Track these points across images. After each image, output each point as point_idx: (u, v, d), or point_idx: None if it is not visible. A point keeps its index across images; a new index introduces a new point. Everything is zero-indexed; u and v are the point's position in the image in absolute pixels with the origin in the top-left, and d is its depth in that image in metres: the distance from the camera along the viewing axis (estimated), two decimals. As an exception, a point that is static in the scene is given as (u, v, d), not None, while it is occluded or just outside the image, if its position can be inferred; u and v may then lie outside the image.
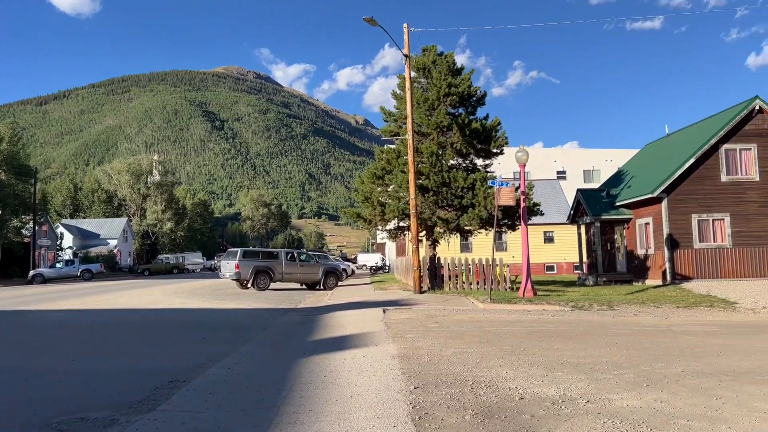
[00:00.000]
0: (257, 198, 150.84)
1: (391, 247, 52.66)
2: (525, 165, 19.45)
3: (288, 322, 13.92)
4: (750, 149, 23.84)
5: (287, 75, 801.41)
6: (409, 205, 21.29)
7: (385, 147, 25.62)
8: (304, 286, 27.94)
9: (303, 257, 27.34)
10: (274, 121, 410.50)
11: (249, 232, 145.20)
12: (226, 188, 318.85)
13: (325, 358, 8.84)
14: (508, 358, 8.55)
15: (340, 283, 28.69)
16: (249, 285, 25.45)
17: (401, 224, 24.97)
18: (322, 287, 26.49)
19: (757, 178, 23.69)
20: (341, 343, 10.17)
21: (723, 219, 23.60)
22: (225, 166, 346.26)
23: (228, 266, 25.89)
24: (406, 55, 21.22)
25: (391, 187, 24.25)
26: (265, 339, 11.41)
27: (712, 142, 23.68)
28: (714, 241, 23.63)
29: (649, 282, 24.73)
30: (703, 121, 27.98)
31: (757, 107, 23.85)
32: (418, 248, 20.57)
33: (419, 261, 20.51)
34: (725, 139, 23.85)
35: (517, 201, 20.33)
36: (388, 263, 56.13)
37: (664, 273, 23.80)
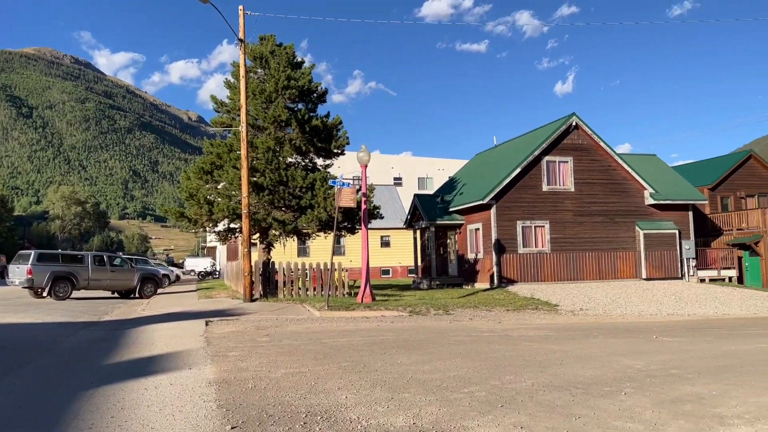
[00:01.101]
0: (69, 195, 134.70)
1: (222, 250, 49.53)
2: (366, 166, 18.70)
3: (83, 340, 11.43)
4: (567, 162, 25.73)
5: (112, 63, 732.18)
6: (241, 204, 19.43)
7: (216, 140, 23.38)
8: (116, 295, 24.50)
9: (116, 261, 23.91)
10: (93, 111, 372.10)
11: (58, 233, 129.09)
12: (33, 183, 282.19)
13: (120, 388, 6.93)
14: (348, 377, 7.39)
15: (160, 291, 25.66)
16: (45, 294, 21.55)
17: (232, 225, 22.91)
18: (137, 295, 23.37)
19: (573, 189, 25.63)
20: (146, 367, 8.25)
21: (544, 226, 25.13)
22: (33, 159, 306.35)
23: (18, 271, 21.69)
24: (240, 40, 19.37)
25: (222, 184, 22.12)
26: (45, 364, 8.99)
27: (536, 153, 25.13)
28: (536, 247, 25.06)
29: (478, 285, 25.52)
30: (527, 134, 29.82)
31: (573, 123, 25.84)
32: (250, 252, 18.79)
33: (251, 266, 18.75)
34: (547, 151, 25.47)
35: (358, 203, 19.53)
36: (218, 268, 52.76)
37: (492, 276, 24.68)
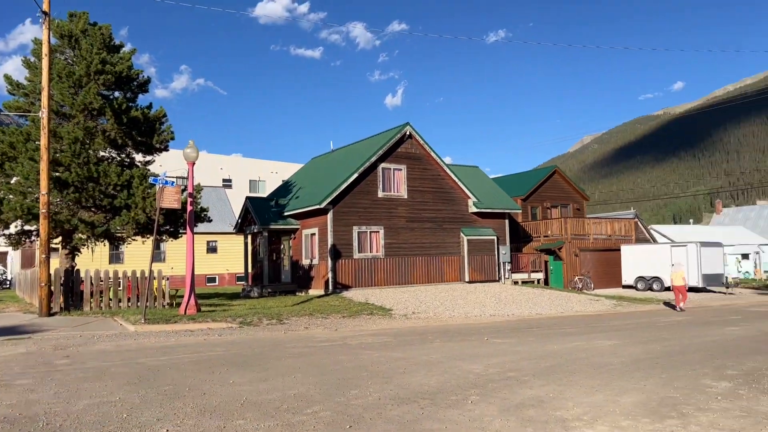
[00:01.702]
0: None
1: (15, 256, 42.97)
2: (194, 164, 17.12)
3: None
4: (401, 169, 26.33)
5: None
6: (39, 202, 16.63)
7: (11, 127, 19.86)
8: None
9: None
10: None
11: None
12: None
13: None
14: (169, 404, 6.29)
15: (-72, 305, 21.13)
16: None
17: (28, 227, 19.61)
18: None
19: (406, 196, 26.28)
20: None
21: (379, 231, 25.38)
22: None
23: None
24: (45, 13, 16.63)
25: (15, 179, 18.81)
26: None
27: (373, 160, 25.33)
28: (371, 252, 25.20)
29: (312, 292, 24.94)
30: (364, 141, 30.04)
31: (408, 133, 26.54)
32: (48, 258, 16.11)
33: (49, 274, 16.09)
34: (383, 158, 25.81)
35: (183, 204, 17.82)
36: (10, 277, 45.70)
37: (327, 282, 24.28)
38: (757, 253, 43.67)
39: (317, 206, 24.06)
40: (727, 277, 30.11)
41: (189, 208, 16.98)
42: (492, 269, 28.12)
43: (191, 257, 16.64)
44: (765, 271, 42.70)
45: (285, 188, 31.19)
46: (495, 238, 28.26)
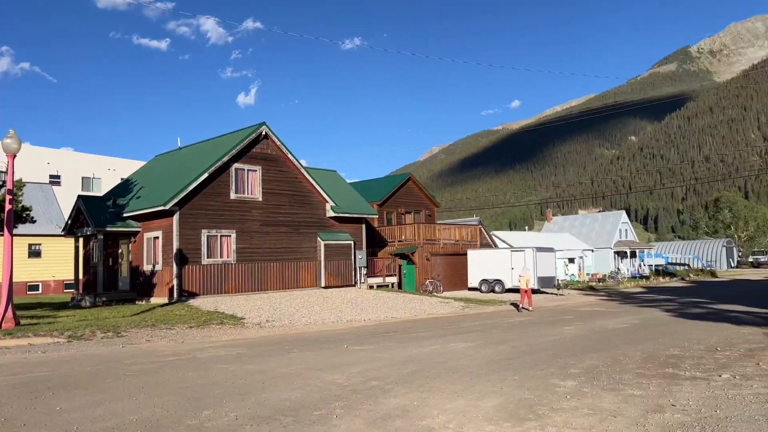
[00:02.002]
0: None
1: None
2: (15, 156, 14.91)
3: None
4: (256, 171, 25.35)
5: None
6: None
7: None
8: None
9: None
10: None
11: None
12: None
13: None
14: (-26, 444, 5.18)
15: None
16: None
17: None
18: None
19: (261, 198, 25.35)
20: None
21: (230, 235, 24.18)
22: None
23: None
24: None
25: None
26: None
27: (225, 159, 24.09)
28: (221, 257, 23.91)
29: (155, 300, 23.04)
30: (215, 139, 28.51)
31: (263, 133, 25.66)
32: None
33: None
34: (236, 158, 24.66)
35: (1, 202, 15.45)
36: None
37: (171, 290, 22.58)
38: (581, 257, 48.80)
39: (162, 207, 22.31)
40: (558, 280, 33.15)
41: (8, 206, 14.74)
42: (349, 274, 28.17)
43: (9, 262, 14.44)
44: (587, 274, 47.83)
45: (125, 187, 28.60)
46: (352, 242, 28.36)
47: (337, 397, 7.05)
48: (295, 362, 9.87)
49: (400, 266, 32.42)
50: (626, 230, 57.81)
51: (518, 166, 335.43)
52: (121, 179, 33.27)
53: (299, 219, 26.65)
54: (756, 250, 74.79)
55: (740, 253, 74.40)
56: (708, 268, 57.08)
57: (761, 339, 12.01)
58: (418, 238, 32.48)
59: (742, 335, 12.63)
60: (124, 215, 24.72)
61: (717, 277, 49.49)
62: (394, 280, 31.58)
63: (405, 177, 37.72)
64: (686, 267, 58.33)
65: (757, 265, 67.56)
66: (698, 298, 25.34)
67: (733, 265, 69.35)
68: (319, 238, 27.12)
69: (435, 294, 29.68)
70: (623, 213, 59.79)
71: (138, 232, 24.60)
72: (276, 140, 26.08)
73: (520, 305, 22.29)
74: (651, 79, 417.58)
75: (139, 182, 27.94)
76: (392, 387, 7.65)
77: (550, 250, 33.28)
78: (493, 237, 44.88)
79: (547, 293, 30.88)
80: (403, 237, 33.43)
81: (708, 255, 68.35)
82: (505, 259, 31.82)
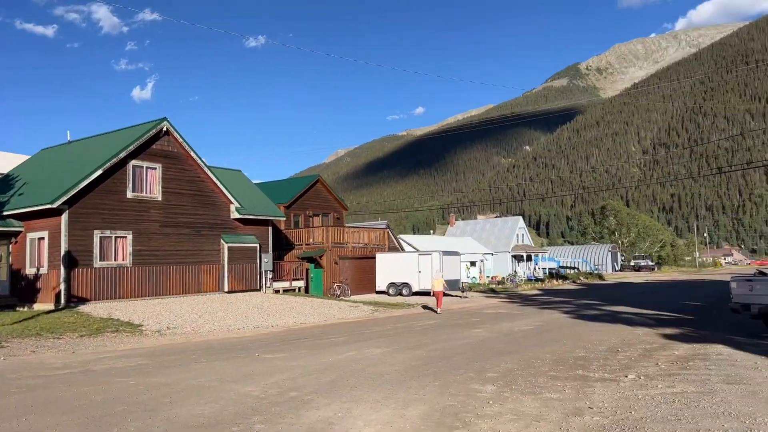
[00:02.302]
0: None
1: None
2: None
3: None
4: (155, 168, 23.88)
5: None
6: None
7: None
8: None
9: None
10: None
11: None
12: None
13: None
14: None
15: None
16: None
17: None
18: None
19: (160, 198, 23.90)
20: None
21: (126, 237, 22.58)
22: None
23: None
24: None
25: None
26: None
27: (122, 155, 22.48)
28: (115, 260, 22.26)
29: (39, 306, 21.02)
30: (110, 134, 26.57)
31: (164, 129, 24.22)
32: None
33: None
34: (134, 154, 23.08)
35: None
36: None
37: (58, 295, 20.70)
38: (482, 260, 50.55)
39: (48, 206, 20.43)
40: (463, 283, 34.05)
41: None
42: (254, 278, 27.26)
43: None
44: (487, 277, 49.61)
45: (4, 182, 25.98)
46: (258, 245, 27.48)
47: (254, 411, 6.62)
48: (204, 373, 9.25)
49: (307, 270, 31.89)
50: (523, 235, 60.68)
51: (422, 171, 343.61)
52: (3, 174, 30.09)
53: (202, 220, 25.45)
54: (637, 254, 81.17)
55: (623, 258, 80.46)
56: (596, 272, 61.12)
57: (654, 339, 12.85)
58: (326, 242, 32.11)
59: (637, 336, 13.47)
60: (4, 213, 22.43)
61: (604, 280, 53.10)
62: (301, 284, 31.01)
63: (313, 178, 37.24)
64: (576, 270, 62.14)
65: (637, 268, 73.33)
66: (591, 300, 26.94)
67: (617, 268, 74.81)
68: (222, 241, 26.05)
69: (343, 298, 29.45)
70: (520, 218, 62.71)
71: (20, 232, 22.41)
72: (178, 137, 24.78)
73: (437, 308, 22.66)
74: (544, 92, 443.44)
75: (21, 178, 25.49)
76: (313, 398, 7.32)
77: (456, 253, 34.12)
78: (401, 240, 45.44)
79: (452, 296, 31.58)
80: (311, 240, 32.94)
81: (595, 259, 73.28)
82: (413, 263, 32.22)
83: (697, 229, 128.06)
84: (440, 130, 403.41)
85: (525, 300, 28.83)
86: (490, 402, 7.01)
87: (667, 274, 64.77)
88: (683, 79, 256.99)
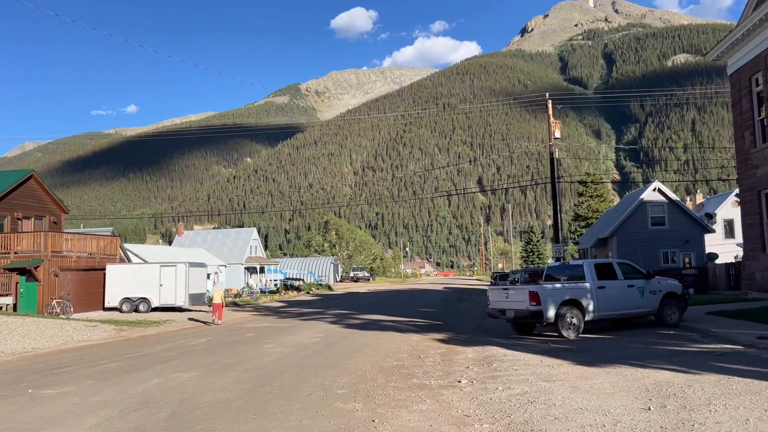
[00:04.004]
0: None
1: None
2: None
3: None
4: None
5: None
6: None
7: None
8: None
9: None
10: None
11: None
12: None
13: None
14: None
15: None
16: None
17: None
18: None
19: None
20: None
21: None
22: None
23: None
24: None
25: None
26: None
27: None
28: None
29: None
30: None
31: None
32: None
33: None
34: None
35: None
36: None
37: None
38: (216, 273, 48.54)
39: None
40: (209, 296, 32.06)
41: None
42: (-57, 294, 21.28)
43: None
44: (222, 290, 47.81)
45: None
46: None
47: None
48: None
49: (17, 284, 26.28)
50: (257, 246, 60.40)
51: (132, 175, 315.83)
52: None
53: None
54: (355, 266, 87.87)
55: (343, 269, 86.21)
56: (323, 283, 64.11)
57: (436, 345, 13.88)
58: (44, 250, 26.98)
59: (418, 342, 14.37)
60: None
61: (333, 290, 55.96)
62: (9, 300, 25.46)
63: (25, 174, 31.02)
64: (302, 282, 64.26)
65: (356, 279, 79.31)
66: (340, 310, 27.99)
67: (338, 279, 79.72)
68: None
69: (64, 316, 25.02)
70: (254, 230, 62.42)
71: None
72: None
73: (217, 320, 22.49)
74: (266, 107, 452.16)
75: None
76: (166, 441, 5.95)
77: (203, 265, 32.15)
78: (126, 251, 40.89)
79: (197, 311, 29.52)
80: (21, 248, 27.34)
81: (319, 270, 76.90)
82: (154, 275, 29.18)
83: (404, 245, 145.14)
84: (155, 132, 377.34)
85: (277, 313, 28.55)
86: (375, 421, 6.66)
87: (381, 284, 71.51)
88: (389, 112, 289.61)
